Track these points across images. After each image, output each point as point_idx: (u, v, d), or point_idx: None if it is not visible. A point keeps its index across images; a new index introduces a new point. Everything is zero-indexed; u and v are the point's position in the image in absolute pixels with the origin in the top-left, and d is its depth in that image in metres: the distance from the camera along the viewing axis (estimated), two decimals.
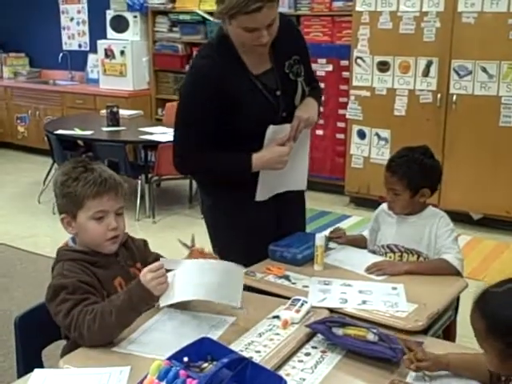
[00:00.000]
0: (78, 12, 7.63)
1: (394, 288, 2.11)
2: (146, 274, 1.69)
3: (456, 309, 2.25)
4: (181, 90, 2.36)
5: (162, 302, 1.74)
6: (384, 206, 2.53)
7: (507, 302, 1.36)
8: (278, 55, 2.27)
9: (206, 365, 1.48)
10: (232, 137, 2.26)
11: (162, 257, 2.04)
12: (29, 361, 1.85)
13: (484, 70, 4.74)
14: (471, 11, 4.71)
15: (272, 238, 2.40)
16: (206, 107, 2.21)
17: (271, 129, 2.25)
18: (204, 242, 4.37)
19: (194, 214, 5.41)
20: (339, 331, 1.75)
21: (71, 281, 1.75)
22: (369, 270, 2.26)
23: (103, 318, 1.67)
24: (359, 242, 2.55)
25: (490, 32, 4.66)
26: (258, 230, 2.41)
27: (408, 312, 1.93)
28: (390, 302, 2.00)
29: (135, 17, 6.79)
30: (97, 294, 1.78)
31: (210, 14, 6.37)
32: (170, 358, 1.45)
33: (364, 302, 1.99)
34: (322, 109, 2.54)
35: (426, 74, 4.99)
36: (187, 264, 1.80)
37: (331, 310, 1.95)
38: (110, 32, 6.98)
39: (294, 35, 2.38)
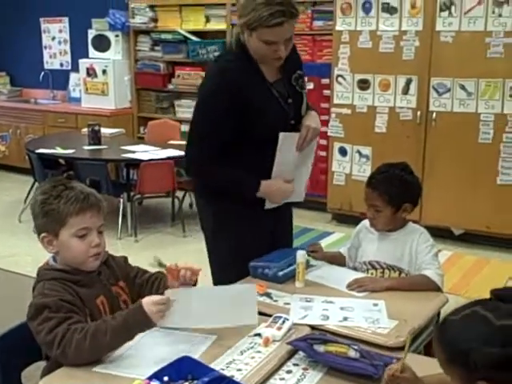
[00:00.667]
0: (60, 31, 7.64)
1: (375, 304, 2.12)
2: (150, 305, 1.70)
3: (437, 324, 2.26)
4: (201, 96, 2.38)
5: (161, 324, 1.76)
6: (365, 222, 2.54)
7: (464, 329, 1.34)
8: (286, 67, 2.38)
9: None
10: (246, 143, 2.34)
11: (144, 270, 2.05)
12: (8, 382, 1.82)
13: (462, 87, 4.81)
14: (449, 30, 4.79)
15: (266, 248, 2.46)
16: (226, 114, 2.28)
17: (282, 136, 2.34)
18: (185, 259, 4.33)
19: (176, 232, 5.39)
20: (321, 348, 1.75)
21: (53, 300, 1.74)
22: (350, 286, 2.27)
23: (96, 338, 1.66)
24: (337, 260, 2.56)
25: (468, 50, 4.73)
26: (256, 237, 2.45)
27: (389, 328, 1.94)
28: (371, 318, 2.01)
29: (117, 36, 6.80)
30: (79, 312, 1.77)
31: (192, 33, 6.43)
32: (150, 378, 1.45)
33: (345, 319, 2.00)
34: None
35: (405, 91, 5.05)
36: (194, 291, 1.84)
37: (313, 327, 1.95)
38: (91, 51, 6.99)
39: (296, 55, 2.51)
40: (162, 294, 1.83)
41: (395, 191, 2.38)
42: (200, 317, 1.82)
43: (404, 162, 2.51)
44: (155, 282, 2.00)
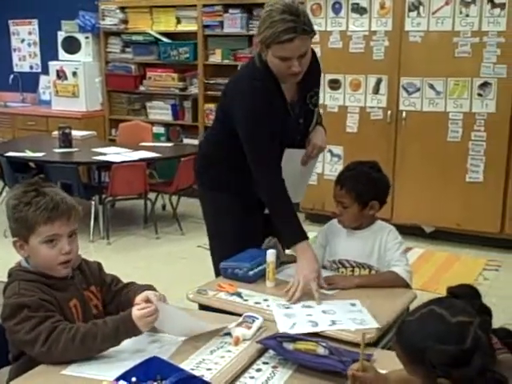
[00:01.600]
0: (29, 33, 7.56)
1: (353, 304, 2.13)
2: (140, 318, 1.73)
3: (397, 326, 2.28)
4: (245, 116, 2.36)
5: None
6: (334, 221, 2.56)
7: (420, 329, 1.36)
8: (303, 86, 2.43)
9: None
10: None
11: (119, 279, 2.06)
12: None
13: (431, 86, 4.87)
14: (418, 30, 4.85)
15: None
16: (272, 125, 2.32)
17: (288, 152, 2.43)
18: (158, 261, 4.35)
19: (149, 234, 5.37)
20: (290, 346, 1.76)
21: (32, 299, 1.74)
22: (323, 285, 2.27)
23: (85, 340, 1.69)
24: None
25: (436, 50, 4.79)
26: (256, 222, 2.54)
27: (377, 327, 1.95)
28: (356, 319, 2.01)
29: (87, 38, 6.75)
30: (57, 313, 1.77)
31: (163, 34, 6.41)
32: (117, 379, 1.44)
33: (334, 323, 1.98)
34: None
35: (376, 91, 5.09)
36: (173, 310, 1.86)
37: None
38: (61, 53, 6.92)
39: (317, 68, 2.54)
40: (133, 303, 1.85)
41: (362, 188, 2.41)
42: (173, 330, 1.86)
43: (373, 161, 2.53)
44: (127, 291, 2.00)
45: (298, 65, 2.25)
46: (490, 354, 1.30)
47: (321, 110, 5.07)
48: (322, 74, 5.36)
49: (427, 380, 1.37)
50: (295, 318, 2.03)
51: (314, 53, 2.50)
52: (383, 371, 1.61)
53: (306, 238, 2.34)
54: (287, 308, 2.11)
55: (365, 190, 2.41)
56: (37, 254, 1.83)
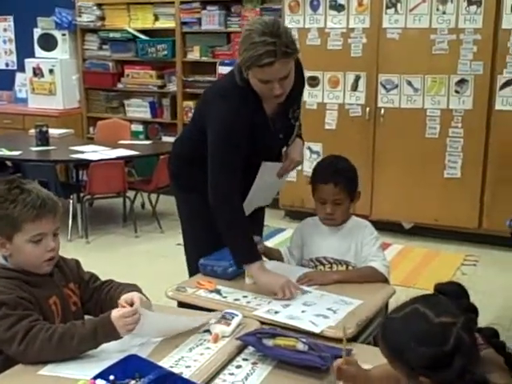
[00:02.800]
0: (5, 30, 7.44)
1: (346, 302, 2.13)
2: (119, 319, 1.70)
3: (385, 315, 2.29)
4: (216, 134, 2.30)
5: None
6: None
7: (402, 328, 1.35)
8: (288, 102, 2.35)
9: (133, 382, 1.46)
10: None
11: (97, 277, 2.04)
12: None
13: (409, 83, 4.89)
14: (395, 27, 4.87)
15: None
16: (242, 147, 2.28)
17: (264, 165, 2.42)
18: (137, 260, 4.30)
19: (128, 232, 5.33)
20: (269, 342, 1.76)
21: (10, 297, 1.72)
22: (300, 280, 2.28)
23: (62, 341, 1.67)
24: (277, 256, 2.53)
25: (414, 47, 4.81)
26: None
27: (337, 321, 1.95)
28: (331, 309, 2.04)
29: (64, 35, 6.67)
30: (35, 311, 1.76)
31: (141, 31, 6.37)
32: (95, 377, 1.43)
33: (295, 318, 1.97)
34: None
35: (354, 88, 5.11)
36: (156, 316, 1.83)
37: (262, 322, 1.96)
38: (38, 50, 6.83)
39: (301, 82, 2.52)
40: (116, 301, 1.85)
41: (353, 181, 2.44)
42: (155, 334, 1.84)
43: (333, 154, 2.58)
44: (107, 288, 1.99)
45: (280, 87, 2.19)
46: (472, 355, 1.29)
47: None
48: None
49: (409, 377, 1.36)
50: (272, 305, 2.06)
51: (300, 65, 2.44)
52: (366, 366, 1.61)
53: (260, 257, 2.30)
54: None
55: (355, 181, 2.44)
56: (21, 252, 1.81)
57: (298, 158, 2.51)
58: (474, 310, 1.37)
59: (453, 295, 1.38)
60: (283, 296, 2.13)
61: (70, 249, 4.76)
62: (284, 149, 2.54)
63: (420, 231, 5.09)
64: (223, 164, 2.28)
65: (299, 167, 5.34)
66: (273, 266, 2.36)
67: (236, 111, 2.24)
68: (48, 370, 1.67)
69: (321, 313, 2.01)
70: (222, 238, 2.30)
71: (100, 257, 4.65)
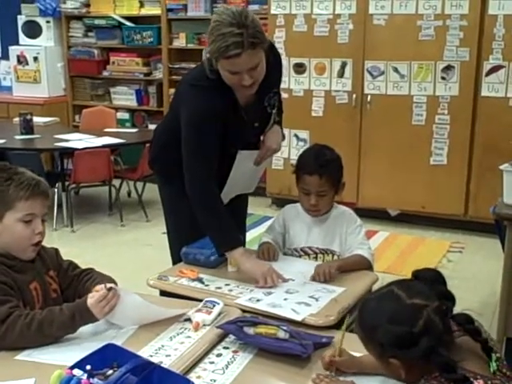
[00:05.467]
0: None
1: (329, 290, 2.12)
2: (95, 304, 1.72)
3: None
4: (186, 122, 2.28)
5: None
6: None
7: (376, 308, 1.38)
8: (262, 90, 2.31)
9: (110, 372, 1.44)
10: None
11: (76, 265, 2.04)
12: None
13: (396, 70, 4.87)
14: (382, 13, 4.84)
15: None
16: (215, 134, 2.25)
17: (241, 154, 2.39)
18: (123, 249, 4.27)
19: (113, 221, 5.30)
20: (250, 330, 1.75)
21: None
22: (316, 278, 2.19)
23: (41, 327, 1.68)
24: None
25: (400, 33, 4.80)
26: None
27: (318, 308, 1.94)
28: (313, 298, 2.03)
29: (48, 22, 6.60)
30: (15, 296, 1.76)
31: (126, 18, 6.31)
32: (72, 367, 1.41)
33: (277, 306, 1.96)
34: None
35: (341, 75, 5.09)
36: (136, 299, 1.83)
37: (244, 310, 1.95)
38: (22, 38, 6.75)
39: (278, 67, 2.45)
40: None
41: (337, 172, 2.41)
42: (136, 319, 1.84)
43: (317, 143, 2.56)
44: (86, 277, 1.98)
45: (249, 78, 2.15)
46: (441, 339, 1.31)
47: (286, 95, 5.20)
48: (287, 58, 5.35)
49: (380, 360, 1.38)
50: (254, 293, 2.06)
51: (274, 49, 2.41)
52: (357, 354, 1.62)
53: (241, 243, 2.31)
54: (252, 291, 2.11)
55: (340, 172, 2.42)
56: (11, 231, 1.81)
57: (273, 145, 2.47)
58: (450, 298, 1.39)
59: (429, 281, 1.39)
60: (264, 284, 2.12)
61: (55, 238, 4.74)
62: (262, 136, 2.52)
63: (406, 218, 5.09)
64: (195, 153, 2.27)
65: (285, 155, 5.39)
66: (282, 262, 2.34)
67: (206, 100, 2.22)
68: (25, 356, 1.67)
69: (303, 301, 2.00)
70: (202, 227, 2.29)
71: (85, 246, 4.63)
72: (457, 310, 1.41)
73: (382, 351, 1.35)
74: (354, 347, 1.60)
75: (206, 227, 2.28)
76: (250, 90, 2.24)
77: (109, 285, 1.79)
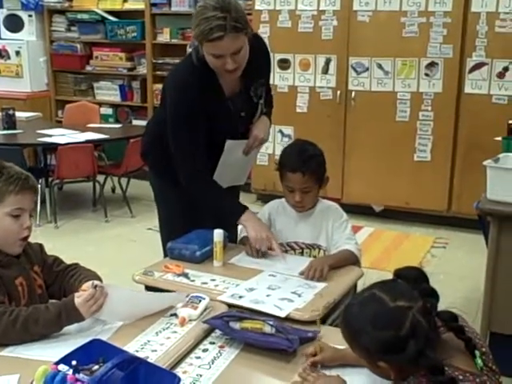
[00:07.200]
0: None
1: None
2: (82, 303, 1.71)
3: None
4: (170, 112, 2.35)
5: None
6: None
7: (359, 313, 1.35)
8: (247, 79, 2.37)
9: (96, 367, 1.43)
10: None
11: (60, 259, 2.02)
12: None
13: (380, 66, 4.89)
14: (366, 10, 4.85)
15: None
16: (199, 126, 2.32)
17: (229, 143, 2.41)
18: (107, 245, 4.25)
19: (97, 217, 5.27)
20: (236, 325, 1.75)
21: None
22: (308, 276, 2.17)
23: (27, 324, 1.67)
24: None
25: (384, 30, 4.81)
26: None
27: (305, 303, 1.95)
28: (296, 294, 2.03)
29: (30, 16, 6.54)
30: (0, 292, 1.75)
31: (109, 12, 6.26)
32: (57, 363, 1.40)
33: (259, 302, 1.95)
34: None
35: (325, 71, 5.09)
36: (124, 293, 1.83)
37: (229, 305, 1.94)
38: (3, 32, 6.69)
39: (264, 57, 2.50)
40: (80, 284, 1.86)
41: (321, 167, 2.41)
42: (125, 315, 1.82)
43: (298, 139, 2.59)
44: (72, 272, 1.97)
45: (233, 62, 2.20)
46: (429, 339, 1.29)
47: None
48: (272, 54, 5.33)
49: (369, 363, 1.37)
50: (237, 289, 2.05)
51: (260, 39, 2.47)
52: (341, 347, 1.61)
53: (245, 208, 2.40)
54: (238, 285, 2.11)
55: (323, 167, 2.42)
56: None
57: (261, 135, 2.49)
58: (433, 295, 1.37)
59: (412, 279, 1.37)
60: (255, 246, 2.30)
61: (38, 234, 4.68)
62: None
63: (390, 214, 5.11)
64: (182, 144, 2.33)
65: (269, 151, 5.40)
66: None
67: (190, 89, 2.27)
68: (9, 351, 1.67)
69: (285, 296, 2.00)
70: (208, 208, 2.43)
71: (69, 242, 4.60)
72: (441, 305, 1.39)
73: (369, 356, 1.34)
74: (338, 340, 1.60)
75: (211, 209, 2.41)
76: (233, 75, 2.28)
77: (96, 282, 1.78)
